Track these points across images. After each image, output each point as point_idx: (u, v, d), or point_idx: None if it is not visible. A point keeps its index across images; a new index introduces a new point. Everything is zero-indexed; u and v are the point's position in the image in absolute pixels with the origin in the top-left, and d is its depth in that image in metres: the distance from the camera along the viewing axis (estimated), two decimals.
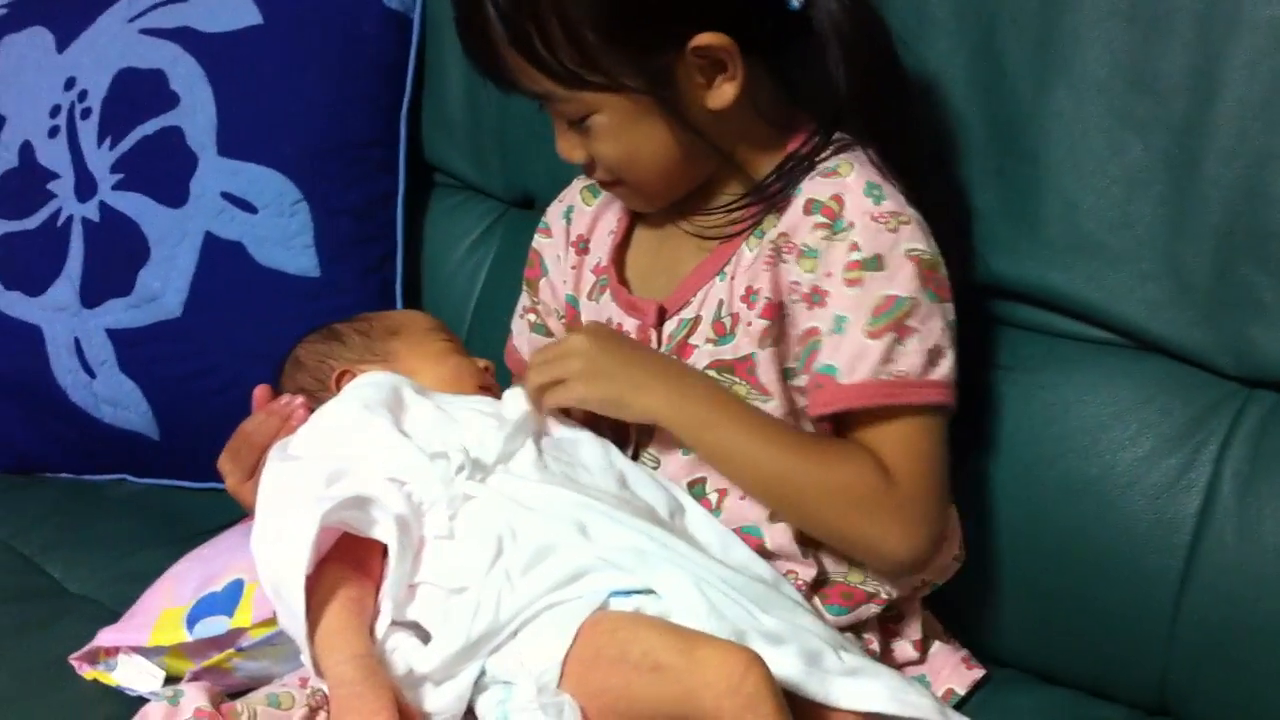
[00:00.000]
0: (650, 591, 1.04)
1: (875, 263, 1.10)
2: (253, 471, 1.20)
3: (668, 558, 1.07)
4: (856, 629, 1.18)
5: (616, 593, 1.04)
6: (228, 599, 1.18)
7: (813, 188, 1.14)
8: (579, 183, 1.34)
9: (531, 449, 1.14)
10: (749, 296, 1.16)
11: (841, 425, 1.14)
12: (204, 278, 1.56)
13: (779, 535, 1.15)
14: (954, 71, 1.23)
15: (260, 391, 1.25)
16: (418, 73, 1.64)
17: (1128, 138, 1.16)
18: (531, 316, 1.36)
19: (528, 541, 1.06)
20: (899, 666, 1.19)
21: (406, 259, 1.63)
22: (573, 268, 1.30)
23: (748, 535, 1.16)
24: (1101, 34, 1.17)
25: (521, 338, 1.38)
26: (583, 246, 1.30)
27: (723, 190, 1.19)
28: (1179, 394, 1.17)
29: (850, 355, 1.10)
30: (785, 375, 1.15)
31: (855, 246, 1.10)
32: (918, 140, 1.19)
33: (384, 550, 1.07)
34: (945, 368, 1.12)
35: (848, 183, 1.12)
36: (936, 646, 1.22)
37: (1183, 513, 1.15)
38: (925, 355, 1.11)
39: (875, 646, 1.18)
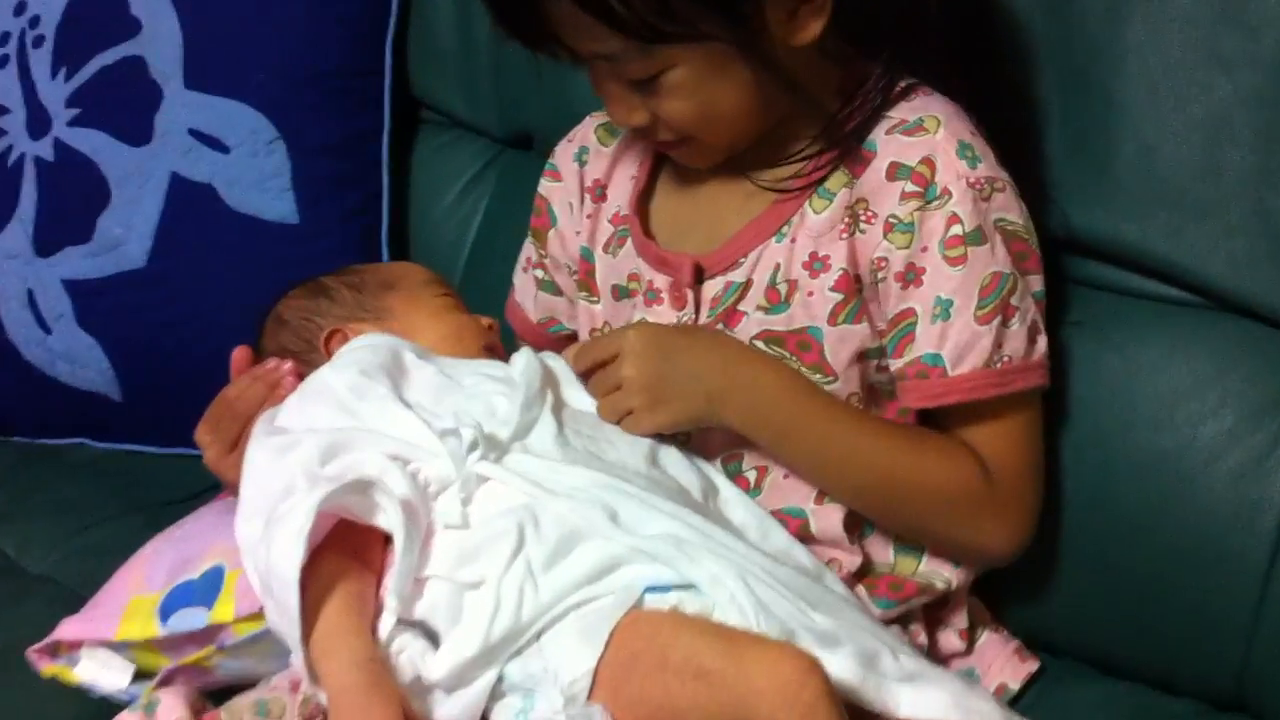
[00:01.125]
0: (690, 586, 0.93)
1: (978, 236, 0.99)
2: (235, 444, 1.08)
3: (708, 547, 0.95)
4: (902, 620, 1.07)
5: (652, 588, 0.92)
6: (207, 588, 1.05)
7: (895, 147, 1.01)
8: (593, 120, 1.20)
9: (550, 421, 1.02)
10: (813, 264, 1.04)
11: (933, 413, 1.04)
12: (170, 223, 1.43)
13: (826, 519, 1.04)
14: None
15: (240, 354, 1.13)
16: (403, 1, 1.50)
17: (1213, 75, 1.04)
18: (539, 272, 1.23)
19: (552, 530, 0.94)
20: (944, 659, 1.09)
21: (392, 203, 1.50)
22: (588, 216, 1.17)
23: (789, 518, 1.05)
24: None
25: (526, 294, 1.25)
26: (599, 193, 1.17)
27: (787, 136, 1.06)
28: (1267, 361, 1.06)
29: (959, 343, 1.00)
30: (868, 355, 1.04)
31: (955, 219, 0.99)
32: (998, 75, 1.07)
33: (386, 539, 0.95)
34: (1043, 345, 1.03)
35: (937, 142, 1.00)
36: (985, 636, 1.11)
37: (1269, 493, 1.04)
38: (1027, 335, 1.02)
39: (923, 639, 1.07)
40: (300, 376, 1.08)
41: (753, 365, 1.04)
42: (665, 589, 0.92)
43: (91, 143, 1.45)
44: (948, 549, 1.06)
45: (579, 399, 1.07)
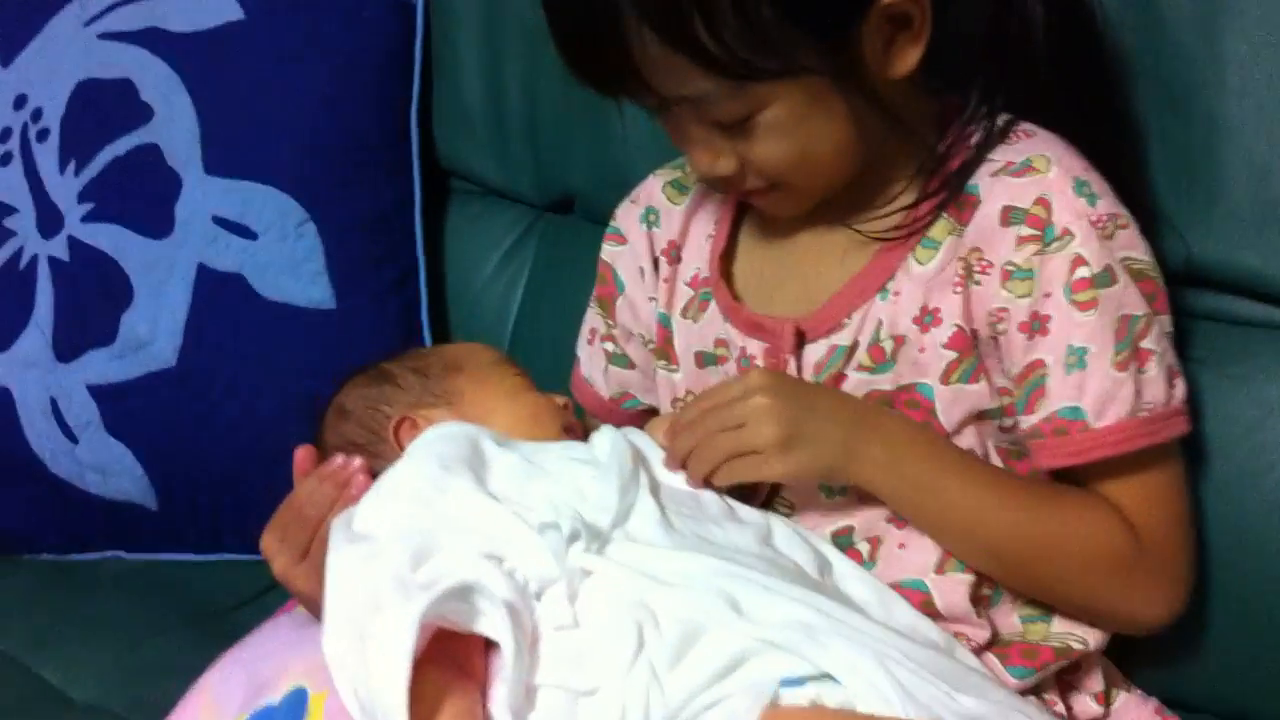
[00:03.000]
0: (826, 676, 0.85)
1: (1107, 277, 0.92)
2: (306, 551, 1.00)
3: (839, 632, 0.87)
4: (1036, 689, 0.99)
5: (786, 681, 0.84)
6: (290, 712, 0.96)
7: (1003, 189, 0.94)
8: (658, 178, 1.14)
9: (651, 504, 0.94)
10: (924, 318, 0.97)
11: (1068, 472, 0.96)
12: (200, 318, 1.34)
13: (950, 591, 0.97)
14: None
15: (303, 453, 1.04)
16: (425, 65, 1.44)
17: None
18: (608, 345, 1.16)
19: (672, 625, 0.86)
20: None
21: (428, 279, 1.42)
22: (665, 280, 1.10)
23: (909, 591, 0.97)
24: None
25: (595, 369, 1.17)
26: (675, 255, 1.10)
27: (882, 179, 1.00)
28: None
29: (1099, 393, 0.92)
30: (987, 415, 0.97)
31: (1081, 261, 0.92)
32: (1099, 101, 1.01)
33: (487, 645, 0.87)
34: (1182, 389, 0.95)
35: (1050, 181, 0.93)
36: (1122, 698, 1.03)
37: None
38: (1166, 379, 0.94)
39: (1060, 707, 0.99)
40: (371, 473, 1.00)
41: (882, 416, 0.97)
42: (800, 681, 0.84)
43: (109, 238, 1.37)
44: (1093, 615, 0.97)
45: (674, 478, 0.99)
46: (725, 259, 1.07)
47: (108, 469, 1.36)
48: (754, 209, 1.06)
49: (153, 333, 1.34)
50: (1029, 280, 0.93)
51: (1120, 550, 0.94)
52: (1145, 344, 0.93)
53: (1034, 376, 0.94)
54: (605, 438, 1.00)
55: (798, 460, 0.94)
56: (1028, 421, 0.95)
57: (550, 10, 0.93)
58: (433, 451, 0.97)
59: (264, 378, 1.34)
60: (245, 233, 1.35)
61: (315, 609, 1.01)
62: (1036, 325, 0.93)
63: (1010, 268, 0.94)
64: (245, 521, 1.36)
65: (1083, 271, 0.92)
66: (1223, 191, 1.02)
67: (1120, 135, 1.04)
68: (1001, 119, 0.97)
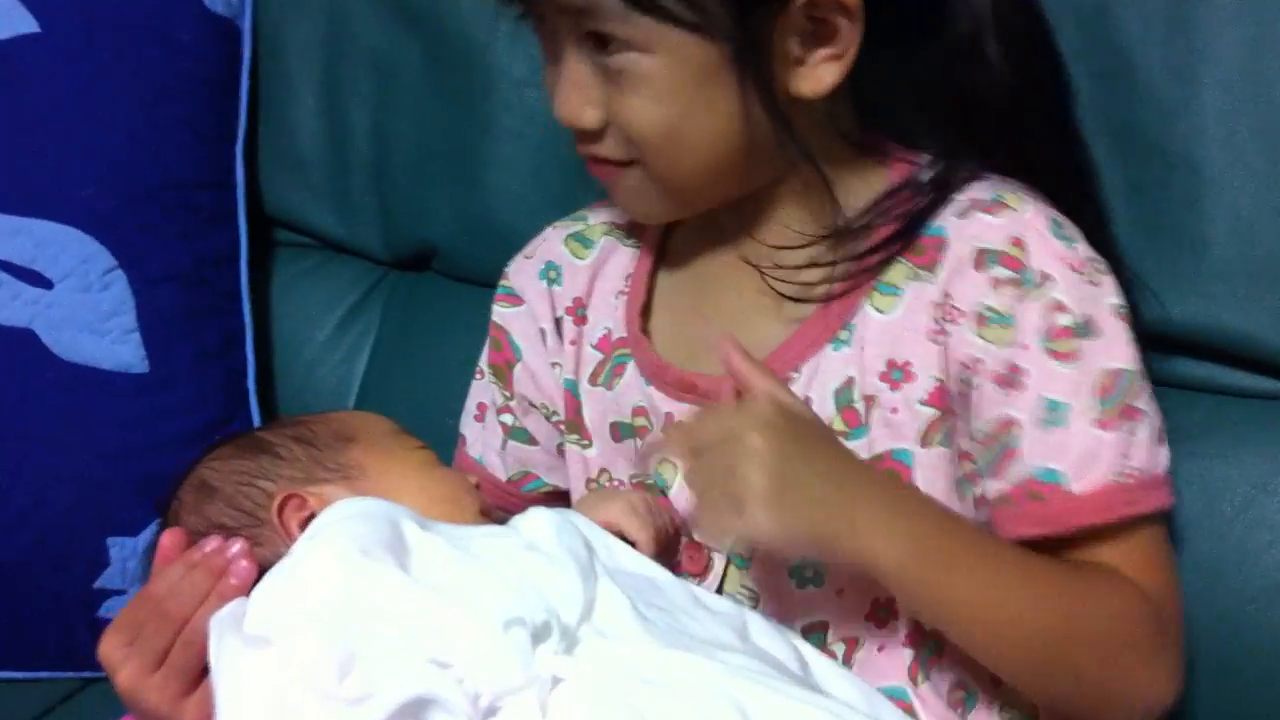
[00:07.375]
0: None
1: (1087, 328, 0.82)
2: (164, 657, 0.80)
3: None
4: None
5: None
6: None
7: (974, 229, 0.84)
8: (557, 230, 1.00)
9: (619, 594, 0.78)
10: (891, 373, 0.85)
11: (1045, 543, 0.83)
12: None
13: (930, 698, 0.85)
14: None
15: (172, 537, 0.84)
16: (251, 98, 1.25)
17: None
18: (506, 417, 1.00)
19: None
20: None
21: (255, 342, 1.22)
22: (571, 343, 0.96)
23: (892, 700, 0.83)
24: (1254, 16, 0.93)
25: (489, 446, 1.01)
26: (581, 314, 0.96)
27: (793, 223, 0.88)
28: None
29: (1079, 454, 0.81)
30: (959, 487, 0.85)
31: (1060, 307, 0.81)
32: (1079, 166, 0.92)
33: None
34: (1166, 456, 0.84)
35: (1026, 220, 0.83)
36: None
37: None
38: (1153, 444, 0.83)
39: None
40: (256, 560, 0.81)
41: (887, 479, 0.83)
42: None
43: None
44: (1103, 701, 0.83)
45: (633, 562, 0.84)
46: (644, 314, 0.94)
47: None
48: (669, 262, 0.94)
49: None
50: (1007, 328, 0.82)
51: (1142, 619, 0.81)
52: (1137, 403, 0.83)
53: (1006, 436, 0.82)
54: (540, 520, 0.84)
55: (784, 518, 0.76)
56: (994, 487, 0.83)
57: None
58: (346, 532, 0.78)
59: (57, 455, 1.12)
60: (38, 280, 1.13)
61: None
62: (1014, 378, 0.82)
63: (988, 313, 0.83)
64: (22, 633, 1.14)
65: (1062, 319, 0.82)
66: (1202, 245, 0.94)
67: (1087, 187, 0.95)
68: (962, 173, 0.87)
